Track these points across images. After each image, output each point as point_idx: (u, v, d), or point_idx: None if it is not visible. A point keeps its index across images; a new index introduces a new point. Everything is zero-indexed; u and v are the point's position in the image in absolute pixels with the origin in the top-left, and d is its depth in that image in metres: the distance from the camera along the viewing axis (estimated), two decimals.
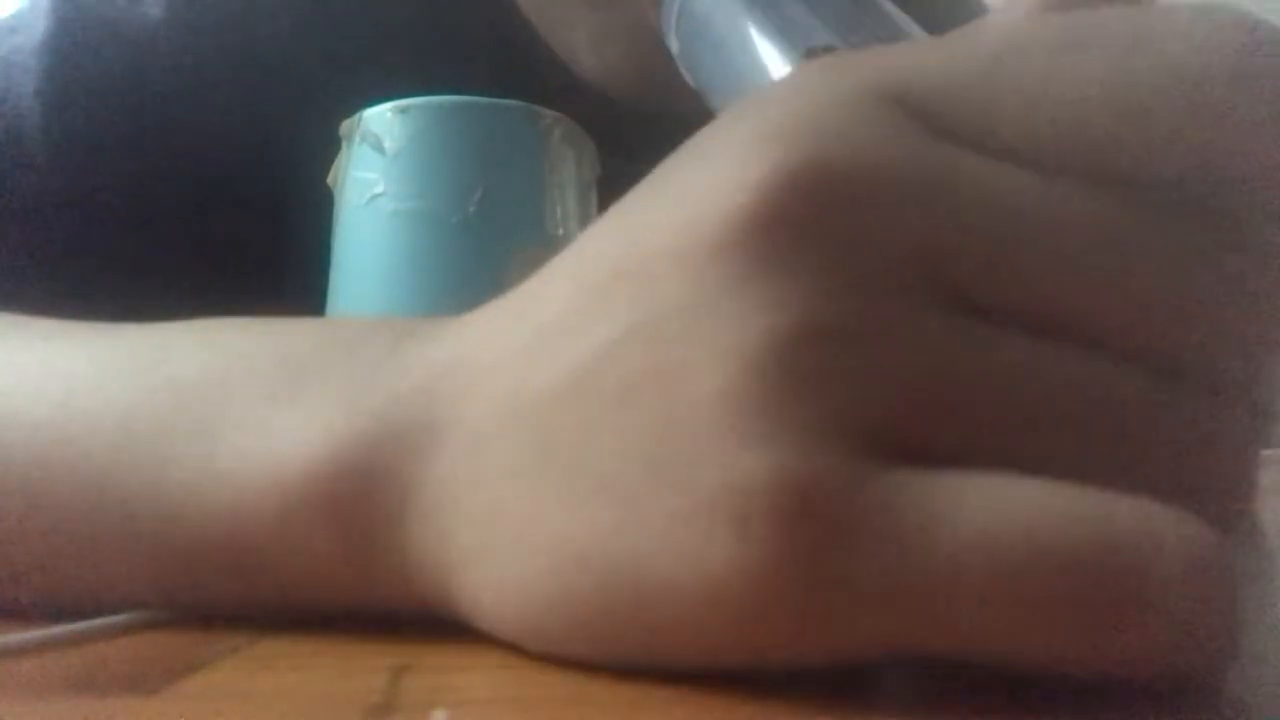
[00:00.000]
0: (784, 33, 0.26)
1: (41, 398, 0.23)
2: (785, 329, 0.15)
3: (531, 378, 0.17)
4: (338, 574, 0.19)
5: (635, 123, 0.41)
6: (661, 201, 0.17)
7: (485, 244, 0.32)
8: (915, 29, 0.25)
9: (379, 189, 0.32)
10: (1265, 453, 0.17)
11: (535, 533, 0.17)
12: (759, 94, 0.17)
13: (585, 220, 0.34)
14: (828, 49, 0.24)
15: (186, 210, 0.41)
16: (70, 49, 0.40)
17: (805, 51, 0.25)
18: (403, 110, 0.32)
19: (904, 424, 0.15)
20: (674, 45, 0.31)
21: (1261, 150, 0.15)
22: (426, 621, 0.19)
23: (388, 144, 0.32)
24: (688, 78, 0.30)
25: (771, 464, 0.14)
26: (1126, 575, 0.13)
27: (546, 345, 0.17)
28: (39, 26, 0.41)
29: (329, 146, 0.34)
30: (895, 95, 0.16)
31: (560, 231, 0.33)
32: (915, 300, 0.15)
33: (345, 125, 0.34)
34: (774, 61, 0.26)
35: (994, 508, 0.14)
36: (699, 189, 0.16)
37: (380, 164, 0.32)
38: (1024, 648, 0.14)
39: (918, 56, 0.17)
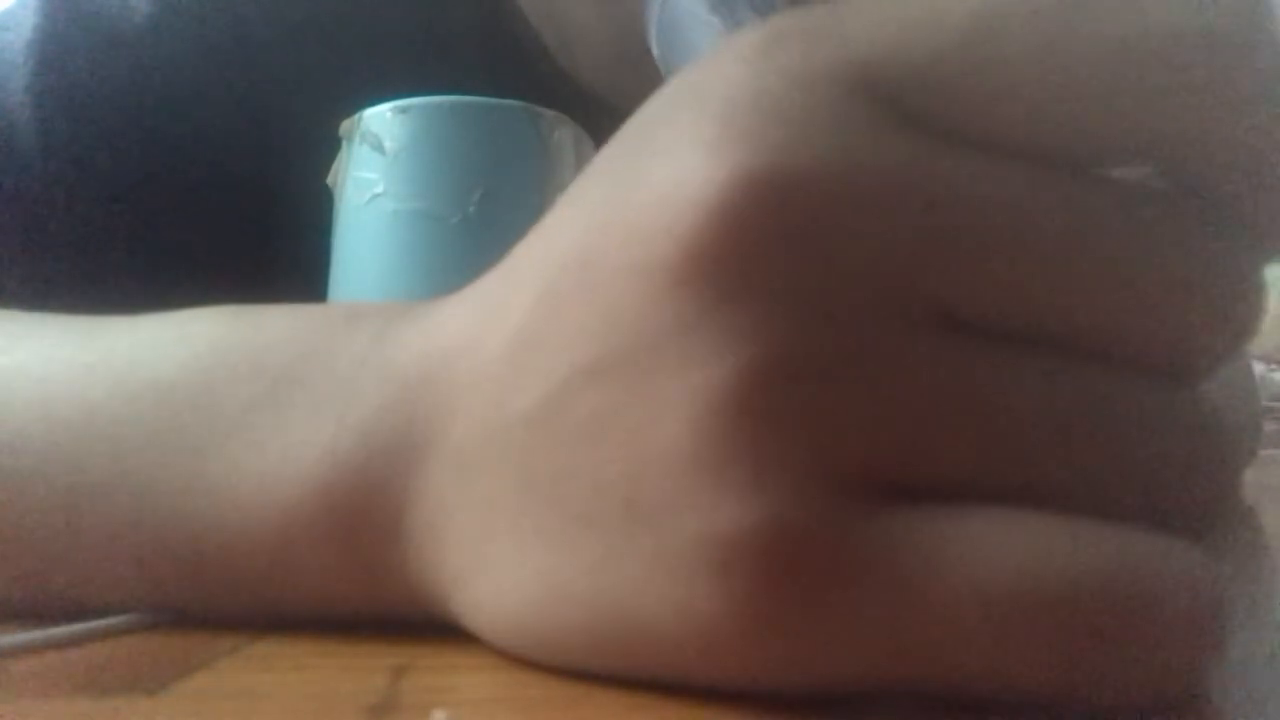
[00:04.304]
0: None
1: (23, 407, 0.22)
2: (755, 365, 0.13)
3: (506, 402, 0.17)
4: (340, 587, 0.19)
5: None
6: (619, 199, 0.16)
7: (485, 244, 0.31)
8: None
9: (379, 189, 0.32)
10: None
11: (522, 562, 0.16)
12: (706, 64, 0.16)
13: None
14: None
15: (181, 207, 0.41)
16: (60, 45, 0.40)
17: None
18: (403, 110, 0.32)
19: (889, 461, 0.14)
20: (655, 47, 0.31)
21: (1238, 129, 0.14)
22: (426, 622, 0.19)
23: (388, 144, 0.32)
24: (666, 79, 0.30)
25: (752, 512, 0.13)
26: (1125, 612, 0.13)
27: (518, 365, 0.17)
28: (28, 23, 0.41)
29: (329, 146, 0.34)
30: (861, 80, 0.14)
31: None
32: (895, 324, 0.14)
33: (345, 125, 0.34)
34: None
35: (988, 548, 0.13)
36: (656, 194, 0.15)
37: (380, 164, 0.32)
38: (1022, 684, 0.13)
39: (883, 30, 0.15)
